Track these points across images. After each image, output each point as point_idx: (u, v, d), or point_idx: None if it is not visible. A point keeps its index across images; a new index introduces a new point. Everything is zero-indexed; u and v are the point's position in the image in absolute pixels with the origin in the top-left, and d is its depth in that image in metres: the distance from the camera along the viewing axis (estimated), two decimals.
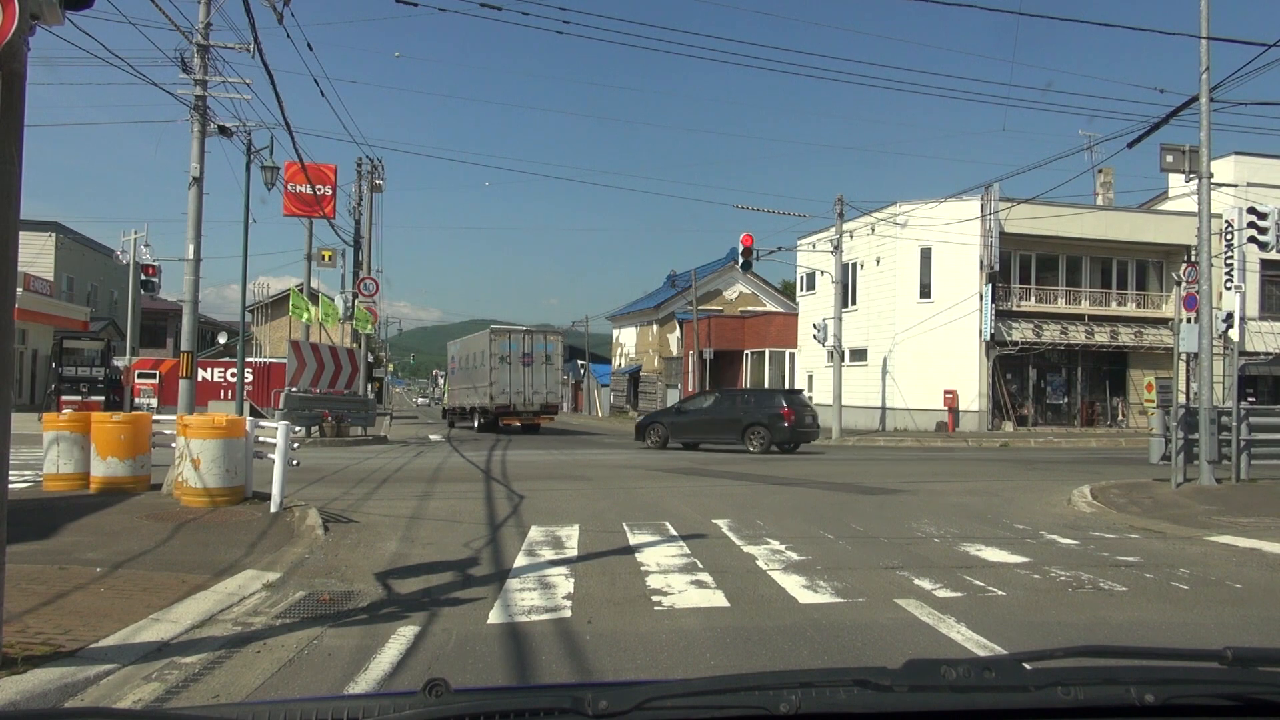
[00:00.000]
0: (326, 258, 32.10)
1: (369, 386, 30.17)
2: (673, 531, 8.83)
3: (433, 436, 28.34)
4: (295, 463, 9.81)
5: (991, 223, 30.43)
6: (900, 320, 32.07)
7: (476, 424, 32.43)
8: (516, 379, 30.64)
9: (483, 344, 31.78)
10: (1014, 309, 32.11)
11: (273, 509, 9.05)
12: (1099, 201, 36.25)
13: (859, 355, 33.42)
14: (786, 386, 36.53)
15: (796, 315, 40.56)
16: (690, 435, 23.14)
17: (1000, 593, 6.28)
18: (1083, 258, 33.32)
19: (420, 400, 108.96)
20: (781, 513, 10.41)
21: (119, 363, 30.49)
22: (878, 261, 33.51)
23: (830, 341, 29.64)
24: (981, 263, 30.79)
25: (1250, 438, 13.25)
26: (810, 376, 38.40)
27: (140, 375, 29.00)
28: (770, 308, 50.71)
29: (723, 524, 9.37)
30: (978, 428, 30.76)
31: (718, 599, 5.97)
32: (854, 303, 33.92)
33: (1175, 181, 28.29)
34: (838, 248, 29.96)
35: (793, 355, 40.27)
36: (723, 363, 42.12)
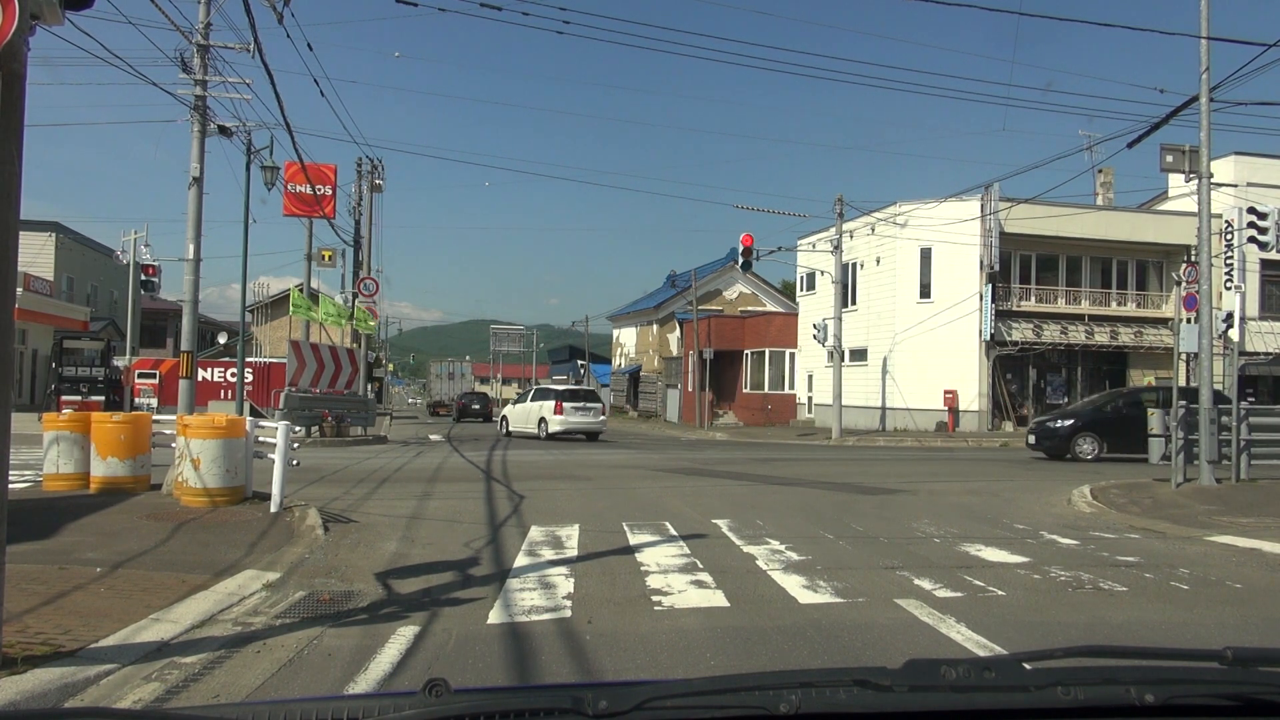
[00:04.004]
0: (326, 258, 32.09)
1: (369, 386, 30.20)
2: (673, 531, 8.83)
3: (433, 436, 28.34)
4: (295, 463, 9.81)
5: (991, 223, 30.41)
6: (900, 320, 32.05)
7: (430, 413, 56.51)
8: (444, 387, 59.85)
9: (432, 368, 66.99)
10: (1014, 309, 32.08)
11: (273, 509, 9.06)
12: (1099, 201, 36.21)
13: (859, 355, 33.39)
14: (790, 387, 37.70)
15: (796, 315, 40.51)
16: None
17: (1000, 593, 6.28)
18: (1083, 258, 33.29)
19: (410, 401, 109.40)
20: (781, 513, 10.41)
21: (119, 363, 30.46)
22: (878, 261, 33.49)
23: (830, 341, 29.63)
24: (981, 263, 30.77)
25: (1250, 438, 13.25)
26: (810, 376, 38.39)
27: (140, 375, 28.99)
28: (770, 308, 50.64)
29: (723, 524, 9.37)
30: (978, 428, 30.75)
31: (718, 599, 5.97)
32: (854, 303, 33.89)
33: (1175, 181, 28.29)
34: (838, 248, 29.95)
35: (793, 355, 40.22)
36: (723, 363, 42.01)
